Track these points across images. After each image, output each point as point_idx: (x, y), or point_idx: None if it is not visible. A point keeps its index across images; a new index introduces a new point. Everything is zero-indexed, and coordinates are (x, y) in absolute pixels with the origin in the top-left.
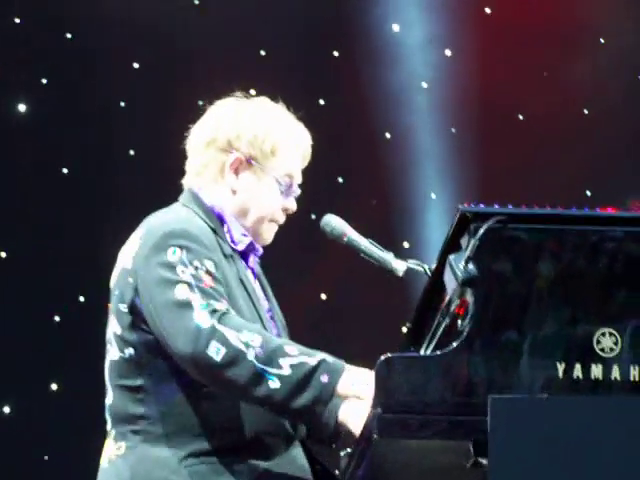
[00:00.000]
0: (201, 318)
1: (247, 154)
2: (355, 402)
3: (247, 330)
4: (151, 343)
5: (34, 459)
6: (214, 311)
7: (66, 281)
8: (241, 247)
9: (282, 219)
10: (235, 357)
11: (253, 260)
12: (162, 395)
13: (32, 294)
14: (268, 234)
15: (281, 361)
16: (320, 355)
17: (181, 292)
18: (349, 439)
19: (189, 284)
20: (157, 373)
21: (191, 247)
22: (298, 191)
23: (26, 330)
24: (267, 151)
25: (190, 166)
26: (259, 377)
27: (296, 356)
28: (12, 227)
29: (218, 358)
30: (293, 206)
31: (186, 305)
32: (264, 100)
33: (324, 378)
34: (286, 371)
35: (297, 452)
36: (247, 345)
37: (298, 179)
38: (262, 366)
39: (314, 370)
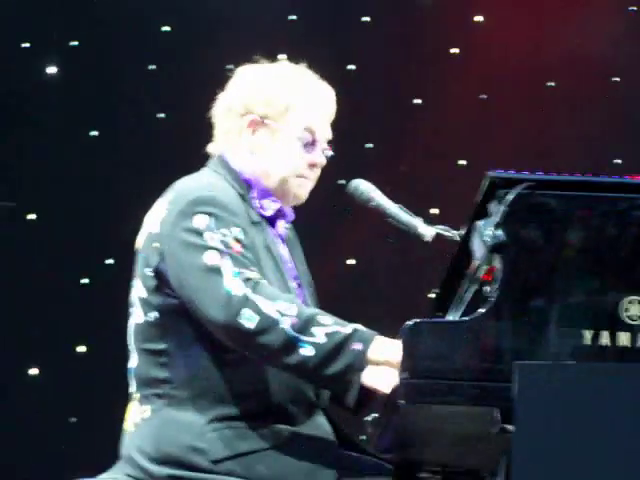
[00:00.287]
0: (233, 285)
1: (262, 114)
2: (382, 367)
3: (281, 299)
4: (175, 307)
5: (62, 421)
6: (247, 279)
7: (95, 244)
8: (269, 213)
9: (311, 175)
10: (269, 325)
11: (282, 226)
12: (186, 359)
13: (61, 256)
14: (299, 191)
15: (315, 329)
16: (353, 325)
17: (211, 257)
18: (375, 404)
19: (219, 250)
20: (181, 337)
21: (219, 214)
22: (325, 146)
23: (55, 292)
24: (281, 108)
25: (215, 134)
26: (292, 344)
27: (330, 325)
28: (41, 190)
29: (251, 326)
30: (320, 160)
31: (216, 271)
32: (282, 63)
33: (357, 346)
34: (320, 339)
35: (321, 419)
36: (281, 314)
37: (323, 134)
38: (296, 334)
39: (347, 338)
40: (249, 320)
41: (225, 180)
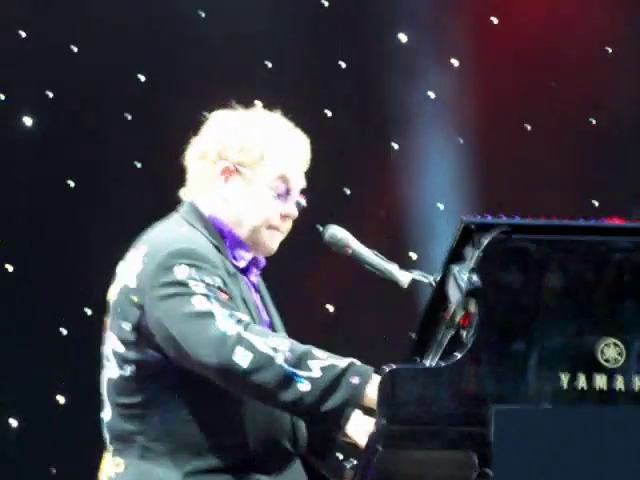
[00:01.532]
0: (226, 326)
1: (236, 162)
2: (365, 418)
3: (273, 336)
4: (153, 362)
5: (41, 472)
6: (239, 320)
7: (72, 294)
8: (242, 264)
9: (283, 226)
10: (264, 362)
11: (255, 274)
12: (162, 413)
13: (39, 307)
14: (269, 242)
15: (310, 364)
16: (348, 359)
17: (200, 303)
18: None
19: (206, 295)
20: (157, 391)
21: (199, 265)
22: (297, 196)
23: (33, 343)
24: (255, 157)
25: (188, 180)
26: (289, 380)
27: (325, 359)
28: (19, 240)
29: (245, 364)
30: (293, 212)
31: (208, 314)
32: (257, 109)
33: (354, 380)
34: (316, 373)
35: (297, 468)
36: (275, 350)
37: (297, 184)
38: (292, 369)
39: (344, 372)
40: (244, 358)
41: (199, 231)
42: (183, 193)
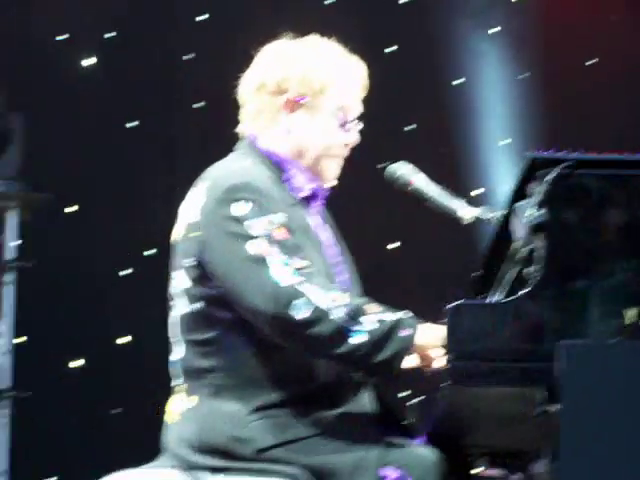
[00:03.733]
0: (281, 275)
1: (298, 93)
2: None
3: (331, 290)
4: (219, 297)
5: (106, 412)
6: (297, 269)
7: (135, 234)
8: (304, 194)
9: (345, 153)
10: (319, 315)
11: (319, 205)
12: (232, 348)
13: (102, 247)
14: (331, 171)
15: (363, 318)
16: (398, 313)
17: (254, 247)
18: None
19: (263, 238)
20: (226, 326)
21: (261, 200)
22: (356, 122)
23: (97, 284)
24: (317, 87)
25: (244, 114)
26: (342, 334)
27: (376, 313)
28: (82, 181)
29: (301, 317)
30: (354, 138)
31: (261, 261)
32: (312, 38)
33: (403, 332)
34: (368, 327)
35: (367, 398)
36: (332, 304)
37: (356, 111)
38: (345, 323)
39: (394, 326)
40: (300, 311)
41: (256, 164)
42: (240, 129)
